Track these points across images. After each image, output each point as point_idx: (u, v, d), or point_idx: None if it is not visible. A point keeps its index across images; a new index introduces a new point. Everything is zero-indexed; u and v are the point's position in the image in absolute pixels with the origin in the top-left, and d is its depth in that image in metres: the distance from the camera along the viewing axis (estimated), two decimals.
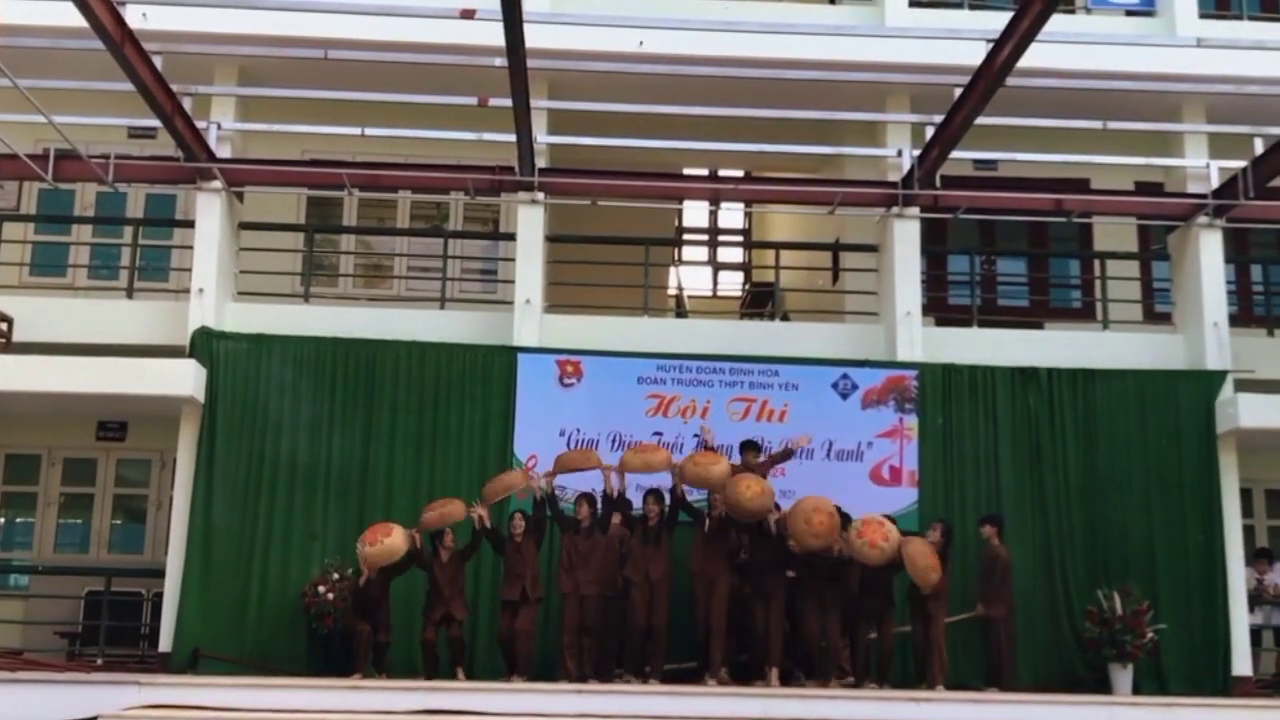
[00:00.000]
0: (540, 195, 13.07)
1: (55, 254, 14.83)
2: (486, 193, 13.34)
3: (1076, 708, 10.98)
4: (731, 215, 20.77)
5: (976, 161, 13.99)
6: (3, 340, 12.66)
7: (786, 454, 11.78)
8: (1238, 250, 14.73)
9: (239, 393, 12.33)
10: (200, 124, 12.58)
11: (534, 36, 10.29)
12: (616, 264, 14.08)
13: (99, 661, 12.64)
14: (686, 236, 20.38)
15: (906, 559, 10.78)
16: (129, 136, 14.00)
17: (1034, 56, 10.55)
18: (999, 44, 10.59)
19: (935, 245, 14.55)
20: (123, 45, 10.55)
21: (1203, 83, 13.25)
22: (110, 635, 13.14)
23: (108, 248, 14.77)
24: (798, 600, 11.11)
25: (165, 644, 11.82)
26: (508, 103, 11.16)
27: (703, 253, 20.82)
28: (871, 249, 13.79)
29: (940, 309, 14.36)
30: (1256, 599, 13.04)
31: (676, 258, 18.87)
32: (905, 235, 13.21)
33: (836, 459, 12.50)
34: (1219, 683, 12.09)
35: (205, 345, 12.40)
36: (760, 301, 18.10)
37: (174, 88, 11.82)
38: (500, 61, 10.52)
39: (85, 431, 14.60)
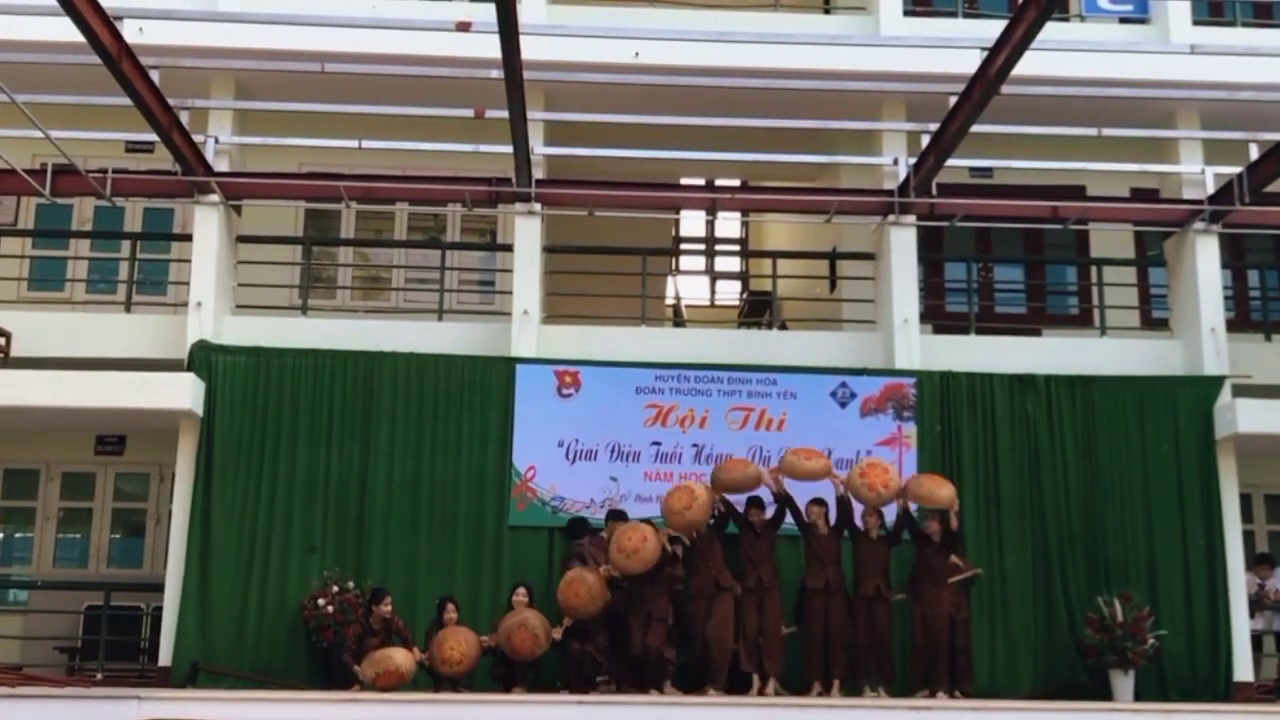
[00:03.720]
0: (537, 206, 13.08)
1: (53, 268, 14.83)
2: (483, 204, 13.36)
3: (1078, 715, 11.00)
4: (728, 224, 20.76)
5: (972, 169, 14.00)
6: (1, 355, 12.66)
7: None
8: (1234, 255, 14.73)
9: (237, 406, 12.32)
10: (197, 138, 12.60)
11: (530, 48, 10.32)
12: (614, 274, 14.10)
13: (99, 676, 12.64)
14: (683, 246, 20.36)
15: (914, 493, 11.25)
16: (126, 151, 14.04)
17: (1028, 64, 10.57)
18: (993, 52, 10.61)
19: (932, 253, 14.57)
20: (120, 60, 10.56)
21: (1197, 89, 13.27)
22: (110, 650, 13.13)
23: (106, 262, 14.78)
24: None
25: (165, 658, 11.80)
26: (504, 114, 11.16)
27: (700, 262, 20.79)
28: (868, 257, 13.81)
29: (938, 316, 14.36)
30: (1257, 604, 13.04)
31: (674, 267, 18.86)
32: (902, 243, 13.22)
33: (836, 467, 12.45)
34: (1220, 689, 12.09)
35: (203, 359, 12.40)
36: (758, 310, 18.11)
37: (171, 102, 11.83)
38: (496, 73, 10.55)
39: (84, 446, 14.58)
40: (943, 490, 11.30)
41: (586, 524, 11.98)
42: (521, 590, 11.41)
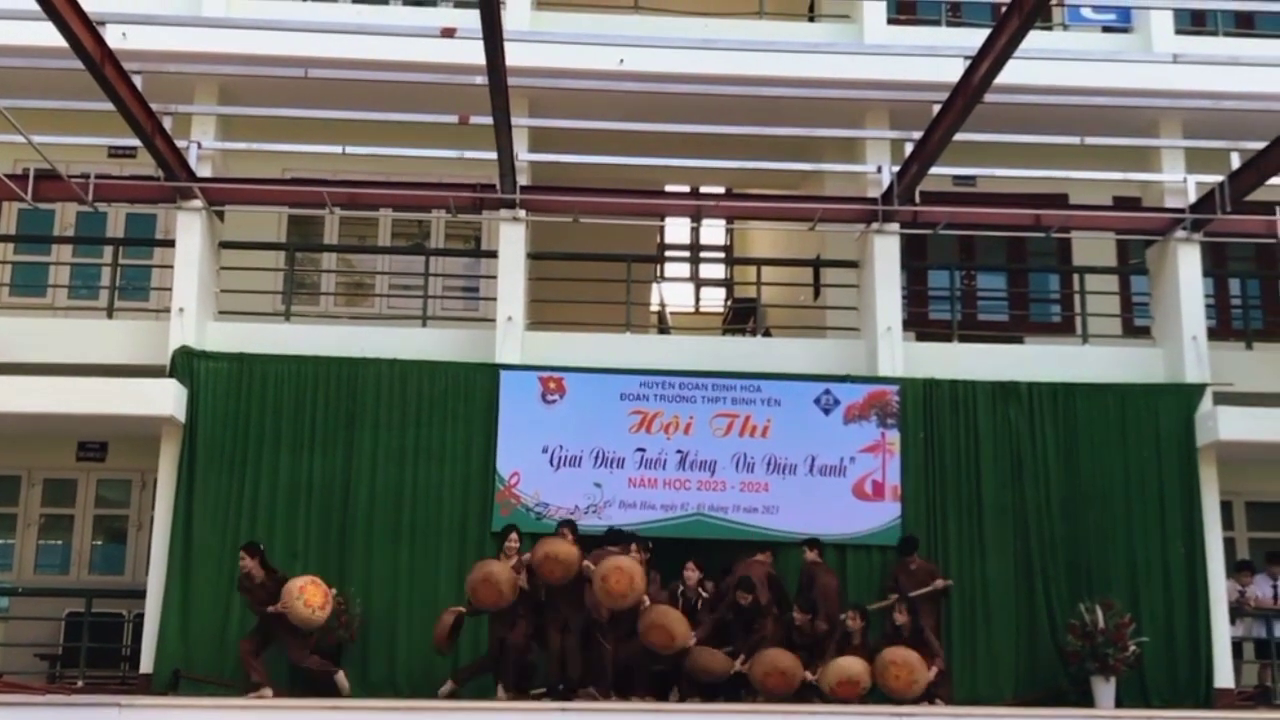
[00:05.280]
0: (522, 212, 13.08)
1: (35, 274, 14.79)
2: (468, 210, 13.35)
3: None
4: (713, 232, 20.85)
5: (956, 177, 14.07)
6: None
7: None
8: (1215, 264, 14.80)
9: (220, 412, 12.29)
10: (180, 143, 12.57)
11: (514, 54, 10.32)
12: (599, 281, 14.10)
13: (80, 684, 12.58)
14: (668, 253, 20.44)
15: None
16: (109, 156, 14.01)
17: (1012, 73, 10.60)
18: (977, 60, 10.66)
19: (915, 261, 14.59)
20: (102, 65, 10.53)
21: (1179, 98, 13.32)
22: (91, 657, 13.05)
23: (88, 267, 14.73)
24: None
25: (146, 665, 11.77)
26: (488, 120, 11.18)
27: (685, 269, 20.89)
28: (852, 265, 13.84)
29: (921, 324, 14.41)
30: (1238, 611, 13.08)
31: (658, 274, 18.92)
32: (885, 251, 13.25)
33: (819, 474, 12.51)
34: (1201, 695, 12.13)
35: (186, 365, 12.36)
36: (742, 317, 18.17)
37: (154, 107, 11.81)
38: (481, 79, 10.55)
39: (65, 452, 14.51)
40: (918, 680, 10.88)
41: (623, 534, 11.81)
42: (513, 535, 11.39)
